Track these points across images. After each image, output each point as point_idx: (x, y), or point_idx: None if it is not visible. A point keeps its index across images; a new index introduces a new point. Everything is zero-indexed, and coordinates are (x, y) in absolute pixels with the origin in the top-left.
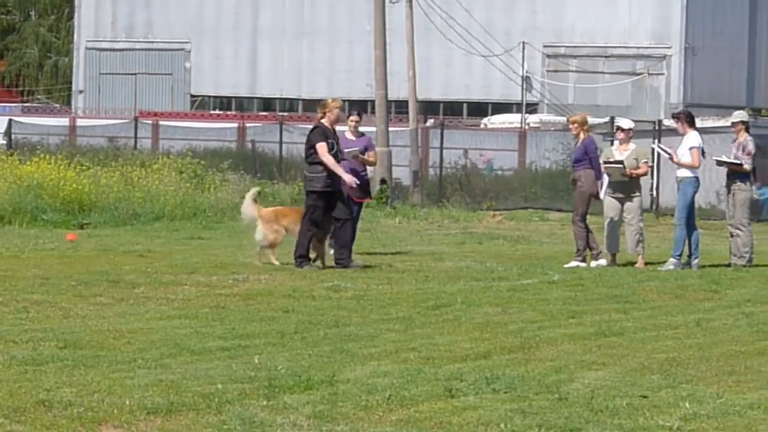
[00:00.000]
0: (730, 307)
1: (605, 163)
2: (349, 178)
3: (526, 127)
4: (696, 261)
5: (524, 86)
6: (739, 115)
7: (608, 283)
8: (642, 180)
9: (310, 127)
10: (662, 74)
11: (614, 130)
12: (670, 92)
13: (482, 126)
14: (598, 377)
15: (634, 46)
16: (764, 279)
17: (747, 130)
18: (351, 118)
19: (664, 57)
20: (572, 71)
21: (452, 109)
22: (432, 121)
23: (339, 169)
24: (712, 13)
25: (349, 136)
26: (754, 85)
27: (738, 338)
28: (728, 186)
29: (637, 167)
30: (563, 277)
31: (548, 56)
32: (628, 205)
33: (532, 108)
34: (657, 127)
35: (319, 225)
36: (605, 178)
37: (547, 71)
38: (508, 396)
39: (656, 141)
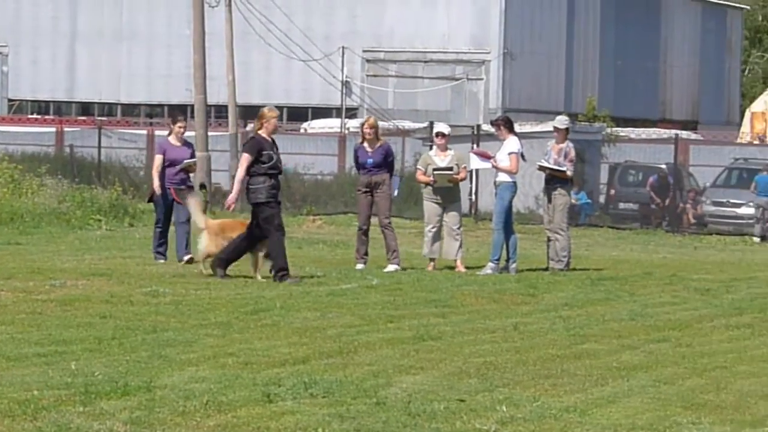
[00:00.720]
0: (548, 311)
1: (435, 169)
2: (231, 197)
3: (346, 131)
4: (514, 265)
5: (344, 91)
6: (564, 122)
7: (427, 287)
8: (460, 185)
9: (130, 132)
10: (481, 79)
11: (433, 135)
12: (489, 97)
13: (302, 131)
14: (416, 381)
15: (453, 51)
16: (581, 283)
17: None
18: (178, 124)
19: (483, 62)
20: (392, 76)
21: None
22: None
23: (236, 186)
24: (530, 19)
25: (175, 142)
26: (572, 90)
27: (555, 342)
28: (547, 191)
29: (458, 172)
30: (382, 282)
31: (368, 61)
32: (449, 210)
33: (351, 112)
34: (476, 132)
35: (284, 230)
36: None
37: (367, 76)
38: (326, 401)
39: (474, 146)
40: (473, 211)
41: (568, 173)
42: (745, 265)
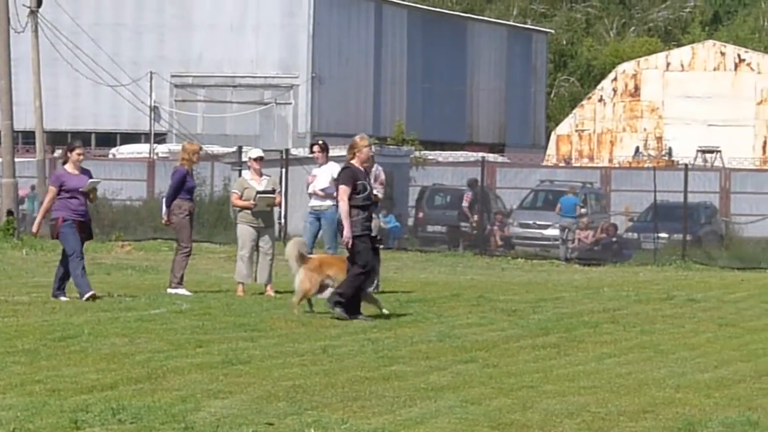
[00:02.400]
0: (356, 333)
1: (259, 192)
2: (346, 234)
3: (155, 157)
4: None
5: (152, 116)
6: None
7: (236, 311)
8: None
9: None
10: (290, 104)
11: (251, 160)
12: (297, 121)
13: (111, 156)
14: (225, 405)
15: (262, 76)
16: (390, 305)
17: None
18: (76, 151)
19: (292, 87)
20: (200, 101)
21: (81, 139)
22: (60, 151)
23: (345, 221)
24: (338, 43)
25: (73, 170)
26: (380, 113)
27: (363, 364)
28: None
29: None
30: (191, 307)
31: (176, 86)
32: (263, 234)
33: (160, 138)
34: (284, 156)
35: (369, 266)
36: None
37: (176, 101)
38: (135, 426)
39: (283, 170)
40: (283, 236)
41: (379, 196)
42: (551, 285)
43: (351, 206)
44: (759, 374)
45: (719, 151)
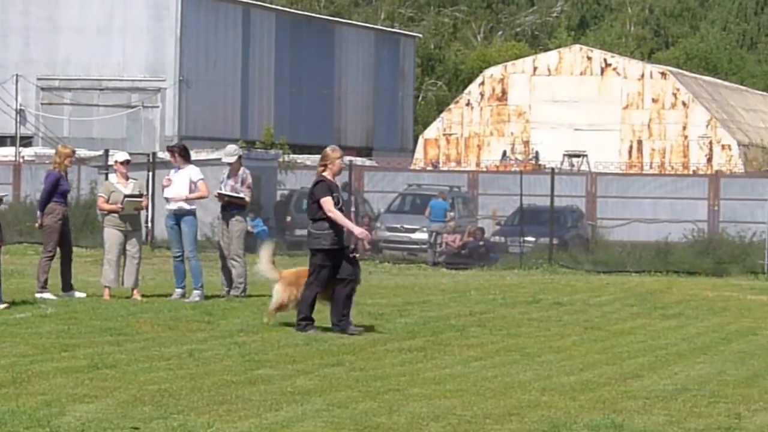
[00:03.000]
0: (223, 337)
1: (127, 196)
2: (360, 231)
3: (21, 160)
4: (182, 291)
5: (18, 119)
6: (233, 152)
7: (102, 315)
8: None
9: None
10: (157, 107)
11: (115, 163)
12: (165, 125)
13: None
14: (90, 410)
15: (129, 79)
16: (257, 309)
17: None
18: None
19: (159, 90)
20: (67, 104)
21: None
22: None
23: (349, 224)
24: (205, 47)
25: None
26: (248, 117)
27: (229, 368)
28: (224, 218)
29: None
30: (57, 311)
31: (42, 89)
32: (132, 238)
33: (26, 141)
34: (151, 160)
35: (325, 285)
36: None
37: (42, 104)
38: None
39: (150, 173)
40: (149, 239)
41: (246, 200)
42: (418, 289)
43: (321, 219)
44: (624, 377)
45: (586, 155)
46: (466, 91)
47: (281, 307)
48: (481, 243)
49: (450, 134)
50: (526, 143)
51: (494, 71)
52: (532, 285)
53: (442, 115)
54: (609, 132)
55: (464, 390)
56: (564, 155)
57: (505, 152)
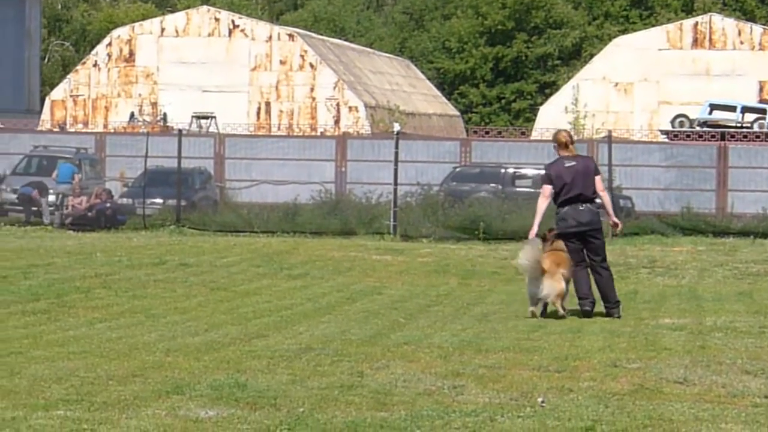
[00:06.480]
0: None
1: None
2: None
3: None
4: None
5: None
6: None
7: None
8: None
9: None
10: None
11: None
12: None
13: None
14: None
15: None
16: None
17: None
18: None
19: None
20: None
21: None
22: None
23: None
24: None
25: None
26: None
27: None
28: None
29: None
30: None
31: None
32: None
33: None
34: None
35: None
36: None
37: None
38: None
39: None
40: None
41: None
42: (43, 251)
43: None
44: (248, 337)
45: (214, 117)
46: (93, 52)
47: (563, 296)
48: (108, 205)
49: (77, 95)
50: (154, 105)
51: (121, 32)
52: (159, 246)
53: (69, 76)
54: (237, 93)
55: (88, 352)
56: (192, 117)
57: (132, 114)
